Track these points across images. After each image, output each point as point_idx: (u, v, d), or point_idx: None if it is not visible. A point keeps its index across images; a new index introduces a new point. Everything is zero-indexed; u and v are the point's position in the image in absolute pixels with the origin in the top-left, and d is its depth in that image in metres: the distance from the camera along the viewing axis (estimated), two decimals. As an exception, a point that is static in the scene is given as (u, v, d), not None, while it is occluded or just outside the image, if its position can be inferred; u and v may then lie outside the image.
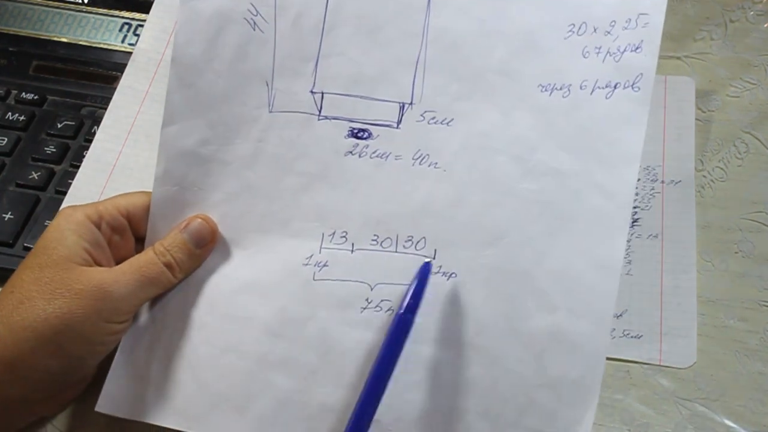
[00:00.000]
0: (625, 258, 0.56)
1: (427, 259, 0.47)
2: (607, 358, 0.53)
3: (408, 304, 0.45)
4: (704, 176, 0.60)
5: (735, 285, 0.56)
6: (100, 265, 0.47)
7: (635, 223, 0.58)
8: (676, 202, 0.58)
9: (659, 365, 0.54)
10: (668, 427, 0.52)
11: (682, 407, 0.52)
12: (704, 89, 0.62)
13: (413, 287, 0.46)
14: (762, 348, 0.54)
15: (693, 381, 0.53)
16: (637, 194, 0.59)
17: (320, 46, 0.49)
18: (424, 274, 0.46)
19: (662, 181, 0.59)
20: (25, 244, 0.57)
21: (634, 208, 0.58)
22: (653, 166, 0.59)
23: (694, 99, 0.61)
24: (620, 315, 0.55)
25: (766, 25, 0.64)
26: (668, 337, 0.54)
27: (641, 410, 0.52)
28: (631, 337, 0.54)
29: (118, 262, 0.48)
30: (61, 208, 0.50)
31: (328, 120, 0.49)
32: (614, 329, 0.55)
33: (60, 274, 0.44)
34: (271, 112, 0.49)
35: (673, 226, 0.57)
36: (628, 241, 0.57)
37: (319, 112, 0.49)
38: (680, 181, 0.59)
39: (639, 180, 0.59)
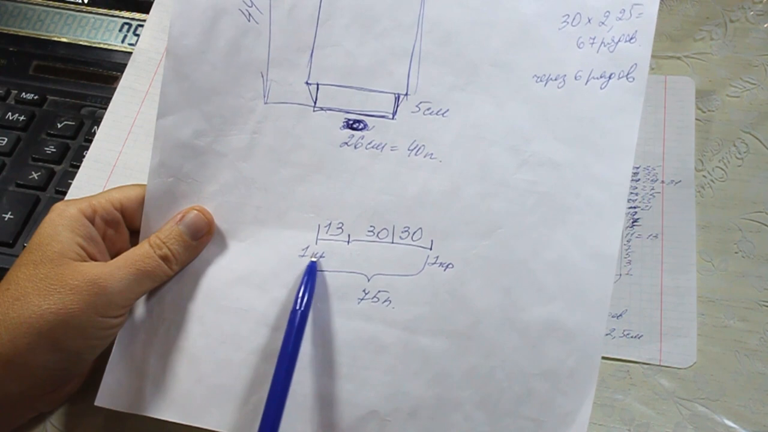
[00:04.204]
0: (625, 258, 0.56)
1: (313, 260, 0.48)
2: (607, 358, 0.53)
3: (303, 300, 0.46)
4: (704, 176, 0.60)
5: (735, 285, 0.56)
6: (94, 259, 0.47)
7: (635, 223, 0.58)
8: (676, 202, 0.58)
9: (659, 365, 0.53)
10: (668, 427, 0.51)
11: (682, 407, 0.52)
12: (704, 89, 0.62)
13: (305, 284, 0.47)
14: (762, 348, 0.53)
15: (693, 381, 0.53)
16: (637, 194, 0.59)
17: (315, 37, 0.49)
18: (311, 271, 0.47)
19: (662, 181, 0.59)
20: (25, 244, 0.57)
21: (634, 208, 0.58)
22: (653, 166, 0.59)
23: (694, 99, 0.61)
24: (620, 315, 0.55)
25: (766, 25, 0.64)
26: (668, 337, 0.54)
27: (641, 410, 0.52)
28: (631, 337, 0.54)
29: (113, 256, 0.48)
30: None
31: (323, 111, 0.49)
32: (614, 329, 0.55)
33: (54, 270, 0.44)
34: (266, 103, 0.49)
35: (673, 226, 0.57)
36: (628, 241, 0.57)
37: (315, 103, 0.49)
38: (680, 181, 0.59)
39: (639, 180, 0.59)
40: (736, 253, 0.57)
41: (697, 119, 0.61)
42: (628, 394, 0.53)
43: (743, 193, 0.59)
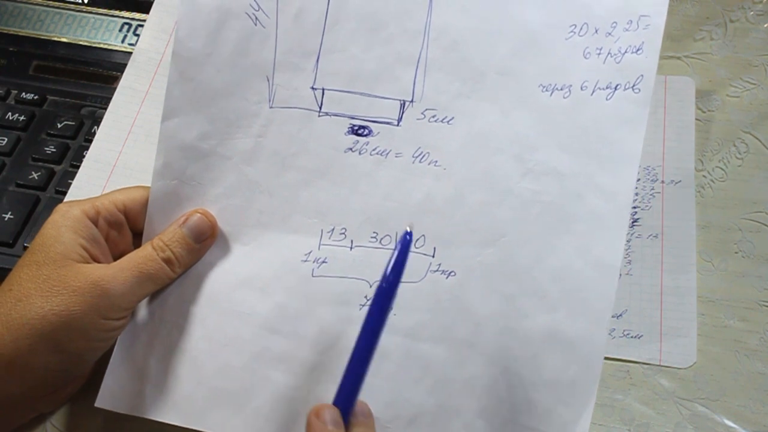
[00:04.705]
0: (625, 258, 0.56)
1: (409, 229, 0.43)
2: (607, 358, 0.53)
3: (391, 271, 0.41)
4: (704, 176, 0.60)
5: (735, 285, 0.56)
6: (97, 261, 0.47)
7: (635, 223, 0.58)
8: (676, 202, 0.58)
9: (659, 365, 0.54)
10: (668, 427, 0.52)
11: (682, 407, 0.52)
12: (704, 89, 0.63)
13: (395, 256, 0.41)
14: (762, 348, 0.54)
15: (693, 381, 0.53)
16: (637, 194, 0.59)
17: (322, 42, 0.49)
18: (403, 242, 0.42)
19: (662, 181, 0.59)
20: (25, 244, 0.57)
21: (634, 208, 0.58)
22: (653, 166, 0.59)
23: (694, 99, 0.61)
24: (620, 315, 0.55)
25: (766, 25, 0.64)
26: (668, 337, 0.54)
27: (641, 410, 0.52)
28: (631, 337, 0.54)
29: (115, 258, 0.48)
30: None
31: (328, 116, 0.49)
32: (614, 329, 0.55)
33: (57, 272, 0.44)
34: (271, 107, 0.49)
35: (673, 226, 0.57)
36: (628, 241, 0.57)
37: (320, 108, 0.49)
38: (680, 181, 0.59)
39: (639, 180, 0.59)
40: (736, 253, 0.57)
41: (697, 119, 0.61)
42: (628, 394, 0.53)
43: (743, 193, 0.59)
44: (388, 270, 0.41)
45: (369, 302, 0.47)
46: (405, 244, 0.41)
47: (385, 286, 0.41)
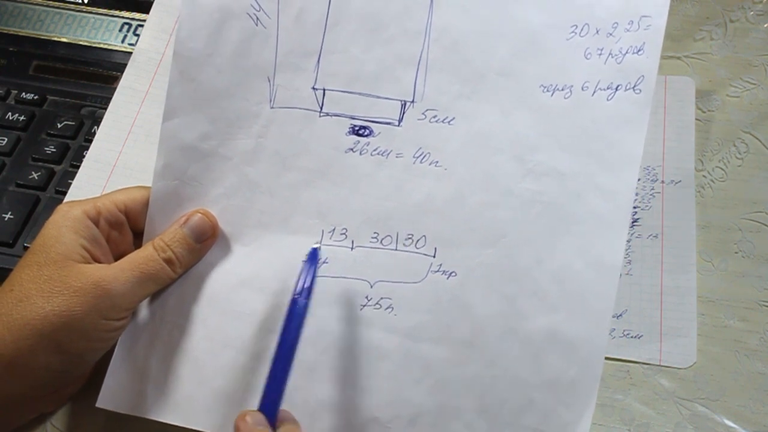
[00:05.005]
0: (625, 258, 0.56)
1: (316, 246, 0.47)
2: (607, 358, 0.53)
3: (303, 288, 0.44)
4: (704, 176, 0.60)
5: (735, 285, 0.56)
6: (98, 261, 0.47)
7: (635, 223, 0.58)
8: (676, 202, 0.58)
9: (659, 365, 0.54)
10: (668, 427, 0.52)
11: (682, 407, 0.52)
12: (704, 89, 0.63)
13: (307, 271, 0.45)
14: (762, 348, 0.54)
15: (693, 381, 0.53)
16: (637, 194, 0.59)
17: (322, 42, 0.49)
18: (311, 257, 0.46)
19: (662, 181, 0.59)
20: (25, 244, 0.57)
21: (634, 208, 0.58)
22: (653, 166, 0.59)
23: (694, 99, 0.61)
24: (620, 315, 0.55)
25: (766, 25, 0.64)
26: (668, 337, 0.54)
27: (641, 410, 0.52)
28: (631, 337, 0.54)
29: (116, 258, 0.48)
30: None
31: (329, 117, 0.49)
32: (614, 329, 0.55)
33: (58, 272, 0.44)
34: (272, 107, 0.49)
35: (673, 226, 0.57)
36: (628, 241, 0.57)
37: (321, 108, 0.49)
38: (680, 181, 0.59)
39: (639, 180, 0.59)
40: (736, 253, 0.57)
41: (697, 119, 0.61)
42: (628, 394, 0.53)
43: (743, 193, 0.59)
44: (301, 287, 0.44)
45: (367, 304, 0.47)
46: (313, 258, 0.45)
47: (304, 303, 0.43)
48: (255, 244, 0.49)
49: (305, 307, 0.43)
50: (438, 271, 0.48)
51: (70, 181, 0.57)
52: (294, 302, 0.43)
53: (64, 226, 0.46)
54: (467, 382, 0.47)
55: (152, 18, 0.61)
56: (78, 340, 0.45)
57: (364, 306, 0.48)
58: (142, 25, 0.67)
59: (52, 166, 0.61)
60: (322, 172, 0.49)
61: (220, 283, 0.49)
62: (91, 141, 0.58)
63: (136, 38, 0.67)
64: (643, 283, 0.56)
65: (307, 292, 0.44)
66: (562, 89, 0.48)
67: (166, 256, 0.47)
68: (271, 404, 0.41)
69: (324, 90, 0.49)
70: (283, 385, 0.42)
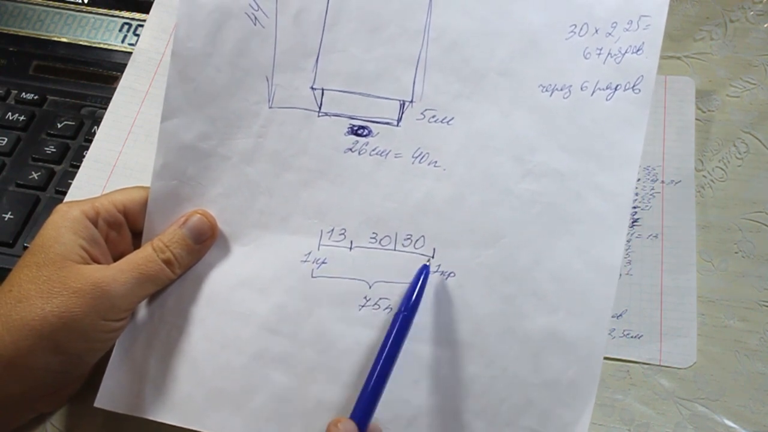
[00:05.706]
0: (625, 258, 0.56)
1: (425, 261, 0.47)
2: (607, 358, 0.53)
3: (411, 304, 0.46)
4: (704, 176, 0.60)
5: (735, 285, 0.56)
6: (97, 261, 0.47)
7: (635, 223, 0.58)
8: (676, 202, 0.58)
9: (659, 365, 0.54)
10: (668, 427, 0.52)
11: (682, 407, 0.52)
12: (704, 89, 0.63)
13: (416, 287, 0.46)
14: (762, 348, 0.54)
15: (693, 381, 0.53)
16: (637, 194, 0.59)
17: (321, 42, 0.49)
18: (424, 275, 0.46)
19: (662, 181, 0.59)
20: (25, 244, 0.57)
21: (634, 208, 0.58)
22: (653, 166, 0.59)
23: (694, 99, 0.61)
24: (620, 315, 0.55)
25: (766, 25, 0.64)
26: (668, 337, 0.54)
27: (641, 410, 0.52)
28: (631, 337, 0.54)
29: (115, 259, 0.48)
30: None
31: (328, 116, 0.49)
32: (614, 329, 0.55)
33: (57, 273, 0.44)
34: (271, 107, 0.49)
35: (673, 226, 0.57)
36: (628, 241, 0.57)
37: (320, 108, 0.49)
38: (680, 181, 0.59)
39: (639, 180, 0.59)
40: (736, 253, 0.57)
41: (697, 119, 0.61)
42: (628, 394, 0.53)
43: (743, 193, 0.59)
44: (411, 300, 0.46)
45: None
46: (425, 277, 0.47)
47: (407, 315, 0.45)
48: (254, 244, 0.49)
49: (410, 321, 0.45)
50: (437, 271, 0.48)
51: (70, 181, 0.57)
52: (404, 318, 0.45)
53: (63, 226, 0.46)
54: (466, 382, 0.47)
55: (152, 18, 0.61)
56: (77, 341, 0.45)
57: (362, 306, 0.48)
58: (142, 25, 0.67)
59: (52, 166, 0.61)
60: (321, 172, 0.49)
61: (218, 283, 0.49)
62: (91, 141, 0.58)
63: (136, 38, 0.67)
64: (643, 283, 0.56)
65: (414, 307, 0.46)
66: (562, 89, 0.48)
67: (165, 257, 0.47)
68: (363, 415, 0.43)
69: (323, 90, 0.49)
70: (377, 397, 0.43)
